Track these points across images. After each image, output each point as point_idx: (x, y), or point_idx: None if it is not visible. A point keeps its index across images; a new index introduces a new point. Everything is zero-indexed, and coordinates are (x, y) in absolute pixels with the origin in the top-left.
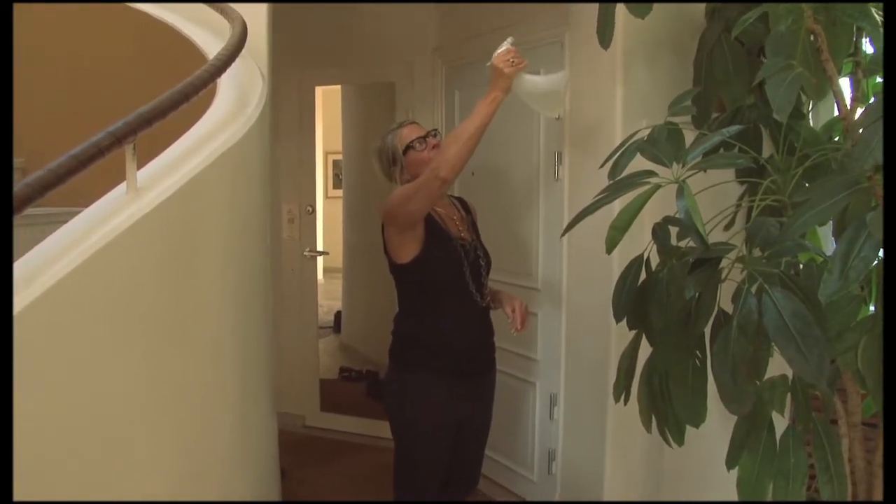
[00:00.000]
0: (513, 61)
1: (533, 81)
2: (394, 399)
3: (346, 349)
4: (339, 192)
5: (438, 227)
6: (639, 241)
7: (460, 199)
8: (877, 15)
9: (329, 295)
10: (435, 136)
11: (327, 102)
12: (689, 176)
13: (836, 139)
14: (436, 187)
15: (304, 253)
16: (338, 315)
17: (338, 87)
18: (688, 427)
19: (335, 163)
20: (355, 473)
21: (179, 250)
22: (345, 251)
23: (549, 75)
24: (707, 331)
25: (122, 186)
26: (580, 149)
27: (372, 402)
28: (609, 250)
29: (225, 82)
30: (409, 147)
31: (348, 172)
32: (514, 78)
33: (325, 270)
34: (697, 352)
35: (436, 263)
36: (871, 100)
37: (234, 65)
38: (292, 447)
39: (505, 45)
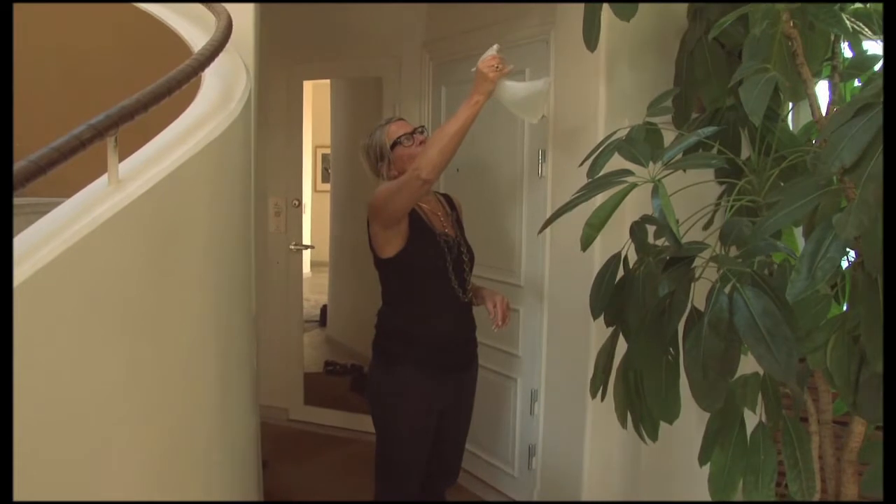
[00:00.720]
0: (497, 67)
1: (515, 88)
2: (375, 391)
3: (331, 343)
4: (328, 186)
5: (422, 223)
6: (620, 238)
7: (446, 196)
8: (848, 21)
9: (316, 289)
10: (422, 132)
11: (317, 96)
12: (666, 175)
13: (815, 141)
14: (417, 187)
15: (290, 247)
16: (324, 309)
17: (328, 82)
18: (665, 424)
19: (324, 157)
20: (338, 467)
21: (160, 241)
22: (331, 245)
23: (530, 82)
24: (681, 328)
25: (104, 178)
26: (564, 147)
27: (355, 397)
28: (584, 247)
29: (209, 76)
30: (396, 143)
31: (336, 167)
32: (497, 83)
33: (313, 264)
34: (671, 348)
35: (419, 258)
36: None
37: (218, 59)
38: (275, 440)
39: (491, 51)
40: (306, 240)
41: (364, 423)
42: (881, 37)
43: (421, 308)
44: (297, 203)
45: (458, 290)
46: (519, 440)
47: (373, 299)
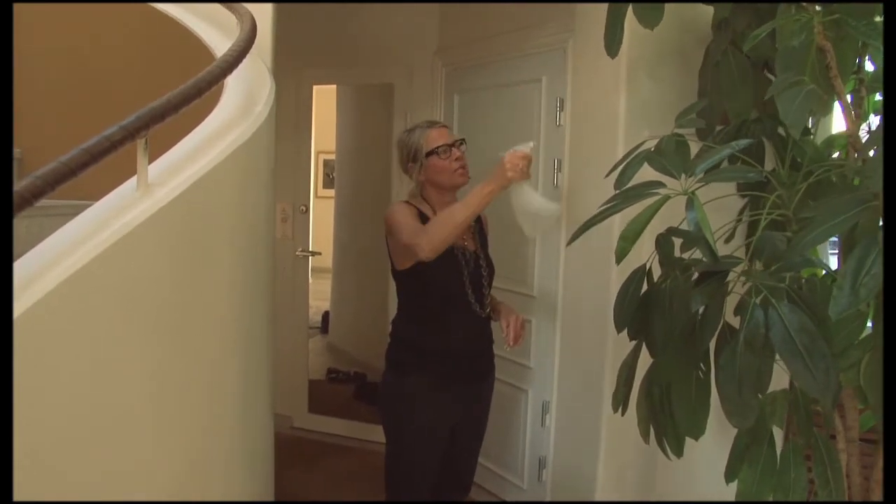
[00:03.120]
0: (522, 168)
1: (529, 197)
2: (387, 401)
3: (333, 350)
4: (329, 192)
5: None
6: (636, 251)
7: None
8: None
9: (317, 295)
10: (461, 145)
11: (319, 101)
12: (697, 188)
13: (836, 155)
14: (414, 256)
15: (297, 253)
16: (325, 315)
17: (331, 87)
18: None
19: (326, 162)
20: (341, 475)
21: (189, 248)
22: (335, 252)
23: (545, 200)
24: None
25: (132, 182)
26: (580, 157)
27: (359, 405)
28: (618, 261)
29: (232, 80)
30: (433, 152)
31: (341, 173)
32: (515, 182)
33: (314, 270)
34: (701, 364)
35: (434, 271)
36: (878, 118)
37: (242, 62)
38: (280, 448)
39: (525, 147)
40: (310, 246)
41: (368, 432)
42: None
43: (435, 320)
44: (304, 209)
45: (475, 304)
46: (529, 452)
47: (376, 306)
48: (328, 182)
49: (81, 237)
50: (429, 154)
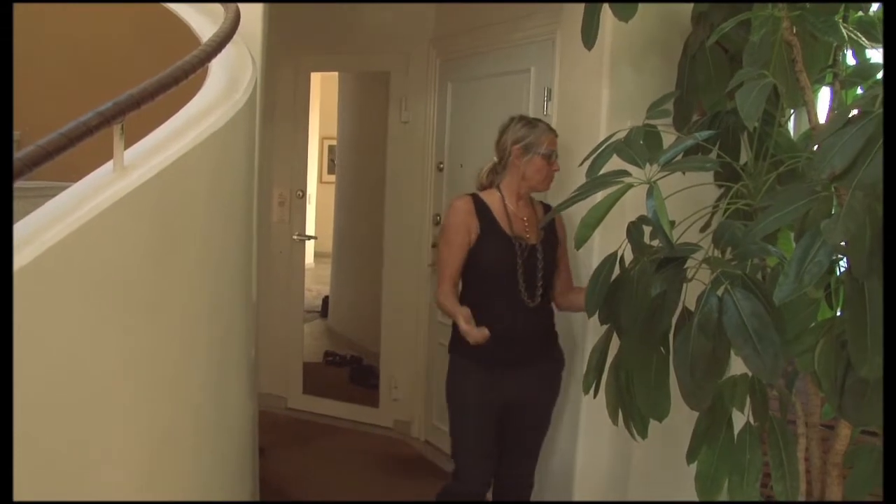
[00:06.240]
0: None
1: None
2: (446, 379)
3: (331, 334)
4: (334, 178)
5: (495, 225)
6: (621, 238)
7: (546, 205)
8: (844, 29)
9: (319, 280)
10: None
11: (325, 87)
12: (663, 177)
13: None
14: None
15: (293, 237)
16: (325, 300)
17: (336, 74)
18: (659, 424)
19: (331, 148)
20: (333, 456)
21: (162, 228)
22: (335, 237)
23: None
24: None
25: (110, 164)
26: (566, 147)
27: (354, 387)
28: (578, 246)
29: (216, 66)
30: (546, 154)
31: (342, 159)
32: None
33: (316, 255)
34: (661, 348)
35: (484, 257)
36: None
37: (225, 50)
38: (273, 427)
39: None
40: (310, 230)
41: (362, 414)
42: (881, 45)
43: (480, 303)
44: (301, 194)
45: (524, 293)
46: None
47: (374, 291)
48: (333, 168)
49: (56, 216)
50: (542, 154)
